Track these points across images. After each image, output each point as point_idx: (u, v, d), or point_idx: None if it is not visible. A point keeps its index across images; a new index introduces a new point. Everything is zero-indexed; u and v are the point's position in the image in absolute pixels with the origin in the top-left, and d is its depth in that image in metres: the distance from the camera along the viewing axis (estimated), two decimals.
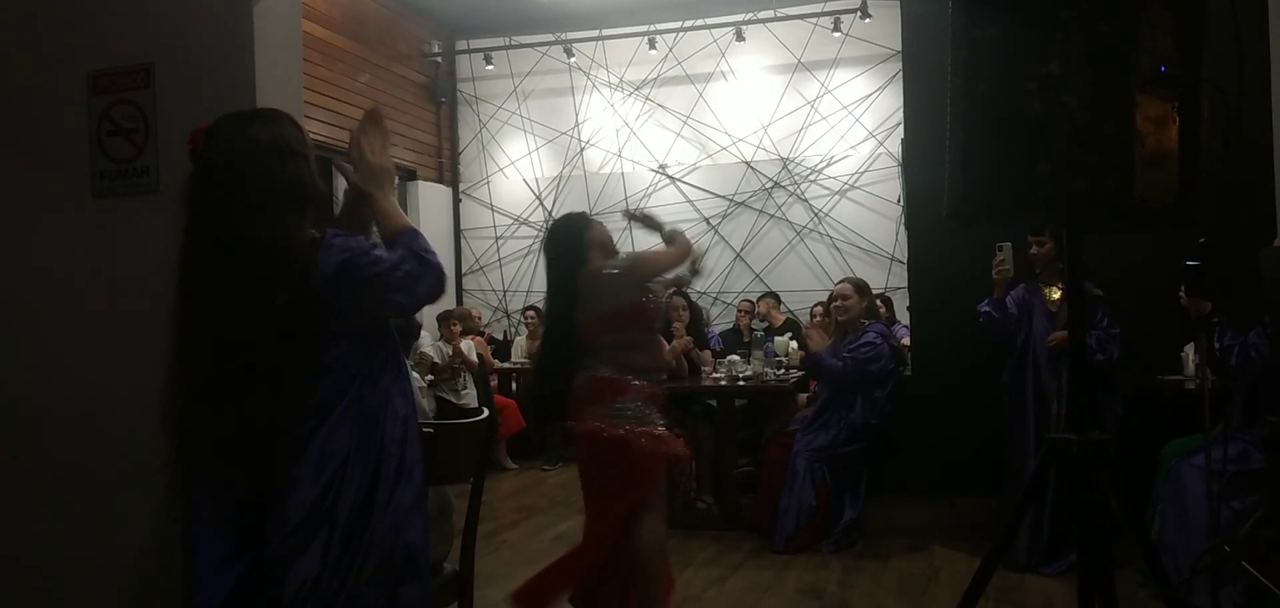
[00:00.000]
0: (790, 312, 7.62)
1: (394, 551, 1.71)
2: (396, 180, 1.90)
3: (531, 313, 8.02)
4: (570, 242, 3.12)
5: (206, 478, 1.68)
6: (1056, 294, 4.11)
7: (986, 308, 4.17)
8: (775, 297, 7.52)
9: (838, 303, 4.89)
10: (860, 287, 4.96)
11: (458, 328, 6.94)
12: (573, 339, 3.04)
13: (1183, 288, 3.24)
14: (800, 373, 5.44)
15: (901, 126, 6.20)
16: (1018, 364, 4.18)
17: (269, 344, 1.61)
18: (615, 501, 2.96)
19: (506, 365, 7.80)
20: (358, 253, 1.67)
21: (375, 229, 1.85)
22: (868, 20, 7.69)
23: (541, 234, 3.35)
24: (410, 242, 1.73)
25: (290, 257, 1.63)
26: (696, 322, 5.86)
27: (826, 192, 8.06)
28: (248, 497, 1.65)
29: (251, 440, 1.62)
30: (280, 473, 1.64)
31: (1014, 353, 4.18)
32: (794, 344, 6.00)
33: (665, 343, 3.54)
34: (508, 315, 8.87)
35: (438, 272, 1.74)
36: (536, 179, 8.81)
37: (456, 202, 9.02)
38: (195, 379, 1.66)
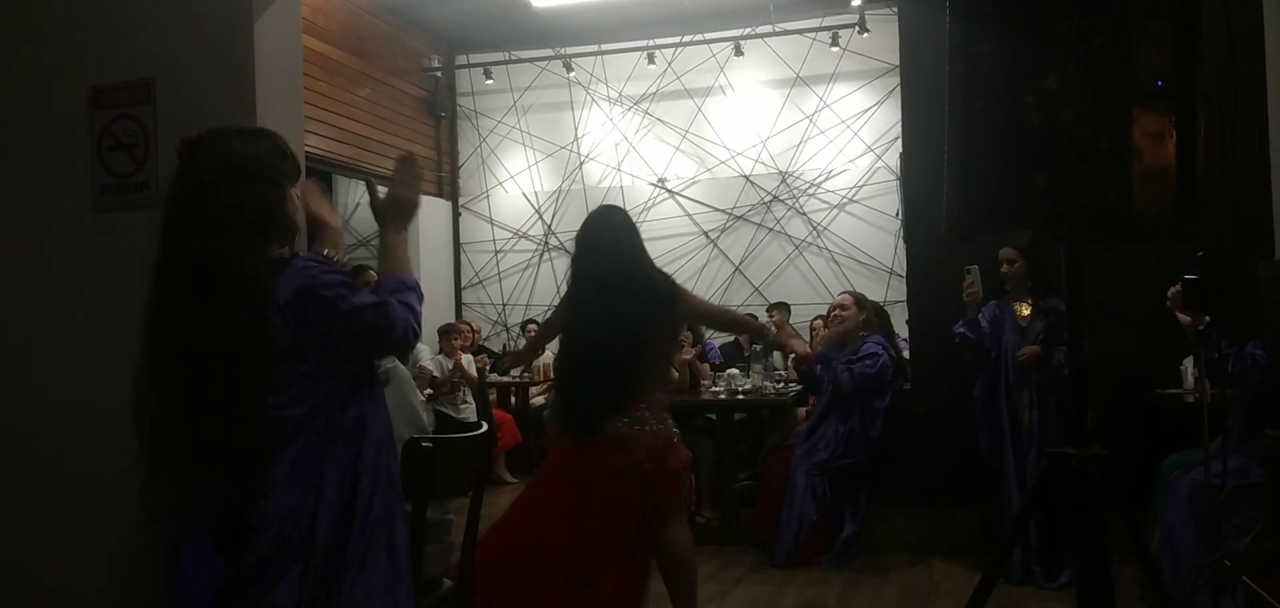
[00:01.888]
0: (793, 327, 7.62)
1: (373, 587, 1.70)
2: (412, 215, 1.91)
3: (532, 327, 8.03)
4: (639, 240, 3.08)
5: (186, 484, 1.68)
6: (1026, 310, 4.23)
7: (961, 329, 4.26)
8: (786, 308, 7.46)
9: (837, 312, 4.91)
10: (860, 300, 4.99)
11: (458, 343, 6.94)
12: (648, 345, 3.03)
13: (1181, 299, 3.24)
14: (800, 386, 5.43)
15: (900, 140, 6.21)
16: (991, 379, 4.28)
17: (228, 359, 1.62)
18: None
19: (506, 379, 7.80)
20: (322, 281, 1.67)
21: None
22: (866, 35, 7.72)
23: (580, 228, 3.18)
24: (398, 290, 1.74)
25: (246, 278, 1.64)
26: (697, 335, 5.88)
27: (825, 205, 8.07)
28: (224, 504, 1.65)
29: (215, 452, 1.63)
30: (249, 485, 1.63)
31: (987, 368, 4.25)
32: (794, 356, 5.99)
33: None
34: (507, 329, 8.87)
35: (404, 331, 1.71)
36: (536, 193, 8.82)
37: (456, 215, 9.03)
38: (162, 385, 1.67)
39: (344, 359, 1.71)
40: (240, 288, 1.63)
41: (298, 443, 1.66)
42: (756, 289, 8.10)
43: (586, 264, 3.04)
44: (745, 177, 8.26)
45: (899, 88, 5.49)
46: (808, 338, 6.53)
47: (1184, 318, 3.20)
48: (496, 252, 8.92)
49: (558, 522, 2.93)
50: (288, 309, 1.64)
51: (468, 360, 6.92)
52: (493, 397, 7.46)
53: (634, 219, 3.17)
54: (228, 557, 1.64)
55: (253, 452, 1.63)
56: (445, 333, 7.01)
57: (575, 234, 3.12)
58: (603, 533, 2.90)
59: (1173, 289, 3.24)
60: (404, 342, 1.74)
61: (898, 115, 6.00)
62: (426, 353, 6.88)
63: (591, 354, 2.94)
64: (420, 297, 1.79)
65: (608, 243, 3.02)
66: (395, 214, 1.87)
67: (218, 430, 1.62)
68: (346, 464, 1.70)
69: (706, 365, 5.97)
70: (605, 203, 3.28)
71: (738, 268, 8.21)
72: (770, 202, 8.19)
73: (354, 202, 8.53)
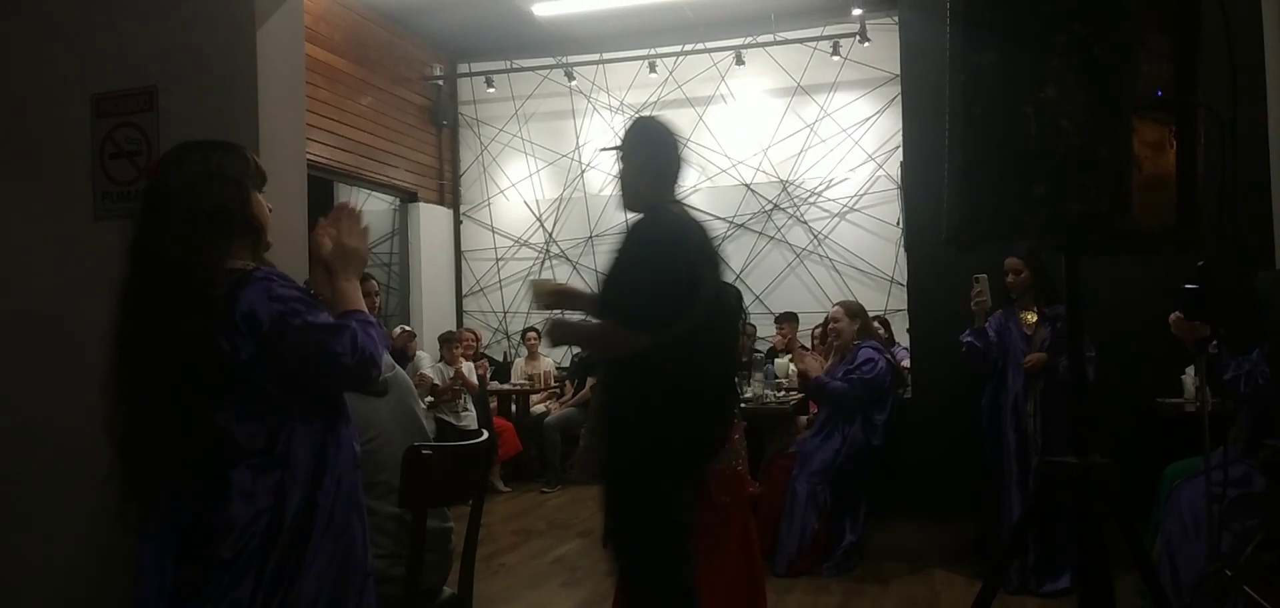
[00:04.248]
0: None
1: (325, 596, 1.69)
2: (363, 267, 1.89)
3: (532, 335, 8.03)
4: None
5: (147, 489, 1.69)
6: (1032, 318, 4.24)
7: (969, 338, 4.26)
8: (794, 318, 7.41)
9: (831, 326, 4.91)
10: (851, 310, 4.96)
11: (459, 350, 6.94)
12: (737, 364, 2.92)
13: (1180, 312, 3.24)
14: (800, 395, 5.43)
15: (900, 149, 6.22)
16: (996, 387, 4.27)
17: (181, 358, 1.62)
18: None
19: (507, 387, 7.80)
20: (278, 294, 1.66)
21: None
22: (866, 44, 7.74)
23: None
24: (361, 322, 1.71)
25: (198, 280, 1.65)
26: None
27: (826, 214, 8.08)
28: (183, 511, 1.67)
29: (171, 455, 1.64)
30: (205, 493, 1.64)
31: (994, 376, 4.25)
32: (794, 366, 5.99)
33: None
34: (507, 337, 8.88)
35: (365, 363, 1.67)
36: (537, 201, 8.83)
37: (457, 223, 9.04)
38: (125, 390, 1.69)
39: (298, 377, 1.69)
40: (194, 286, 1.64)
41: (254, 457, 1.66)
42: (758, 298, 8.10)
43: None
44: (746, 185, 8.27)
45: (900, 97, 5.51)
46: (807, 347, 6.53)
47: (1188, 342, 3.19)
48: (498, 260, 8.93)
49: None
50: (243, 322, 1.63)
51: (468, 368, 6.92)
52: (493, 405, 7.46)
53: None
54: (185, 562, 1.65)
55: (206, 457, 1.64)
56: (446, 341, 7.01)
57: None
58: (732, 560, 2.96)
59: (1174, 315, 3.23)
60: (360, 368, 1.67)
61: (898, 124, 6.01)
62: (427, 360, 6.88)
63: (709, 381, 2.72)
64: (381, 335, 1.76)
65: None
66: (343, 264, 1.83)
67: (172, 432, 1.63)
68: (305, 478, 1.69)
69: None
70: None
71: (739, 276, 8.20)
72: (771, 210, 8.20)
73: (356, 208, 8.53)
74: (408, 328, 7.24)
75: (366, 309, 1.82)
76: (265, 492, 1.66)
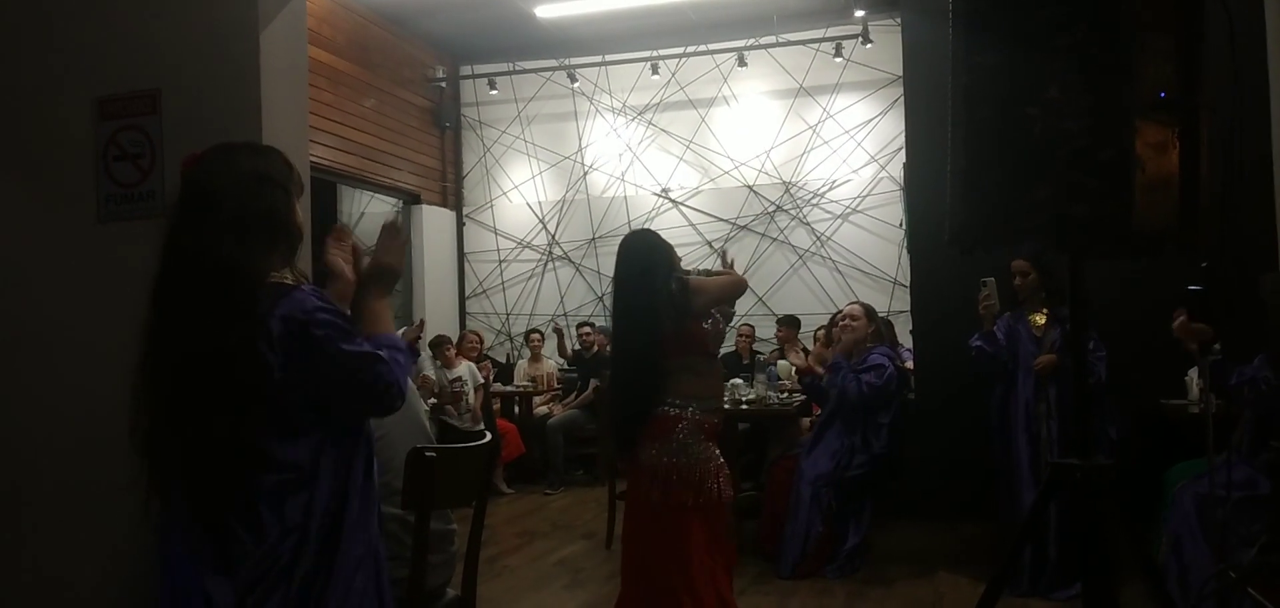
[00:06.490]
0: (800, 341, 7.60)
1: None
2: (396, 285, 1.90)
3: (536, 335, 8.03)
4: (655, 258, 2.99)
5: (175, 496, 1.66)
6: (1041, 320, 4.21)
7: (978, 342, 4.24)
8: (795, 322, 7.38)
9: (846, 321, 4.86)
10: (869, 311, 4.96)
11: (453, 352, 6.94)
12: (657, 363, 2.91)
13: (1184, 314, 3.23)
14: (803, 397, 5.42)
15: (903, 151, 6.22)
16: (1006, 388, 4.25)
17: (223, 362, 1.60)
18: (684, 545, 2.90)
19: (510, 388, 7.81)
20: (316, 318, 1.63)
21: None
22: (869, 46, 7.74)
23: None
24: (390, 347, 1.71)
25: (244, 287, 1.62)
26: None
27: (829, 215, 8.08)
28: (210, 529, 1.63)
29: (203, 465, 1.61)
30: (236, 504, 1.61)
31: (1003, 378, 4.23)
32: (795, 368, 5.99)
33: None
34: (510, 338, 8.88)
35: (391, 395, 1.67)
36: (540, 203, 8.84)
37: (460, 225, 9.04)
38: (156, 395, 1.66)
39: (327, 402, 1.67)
40: (241, 290, 1.62)
41: (285, 473, 1.64)
42: (760, 299, 8.10)
43: (614, 289, 3.16)
44: (749, 187, 8.27)
45: (902, 98, 5.51)
46: (810, 348, 6.52)
47: (1191, 345, 3.18)
48: (500, 261, 8.93)
49: (629, 543, 3.01)
50: (278, 339, 1.61)
51: (468, 368, 6.92)
52: (496, 407, 7.46)
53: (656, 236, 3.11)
54: (212, 580, 1.62)
55: (239, 466, 1.61)
56: (437, 345, 6.98)
57: None
58: (664, 564, 2.88)
59: (1178, 321, 3.22)
60: (389, 399, 1.68)
61: (901, 125, 6.01)
62: (429, 361, 6.88)
63: (617, 371, 3.08)
64: (407, 359, 1.77)
65: (624, 264, 3.05)
66: (379, 280, 1.84)
67: (207, 436, 1.59)
68: (332, 494, 1.68)
69: None
70: (636, 227, 3.34)
71: None
72: (774, 212, 8.19)
73: (359, 210, 8.55)
74: (422, 320, 7.24)
75: (393, 329, 1.80)
76: (295, 509, 1.63)
